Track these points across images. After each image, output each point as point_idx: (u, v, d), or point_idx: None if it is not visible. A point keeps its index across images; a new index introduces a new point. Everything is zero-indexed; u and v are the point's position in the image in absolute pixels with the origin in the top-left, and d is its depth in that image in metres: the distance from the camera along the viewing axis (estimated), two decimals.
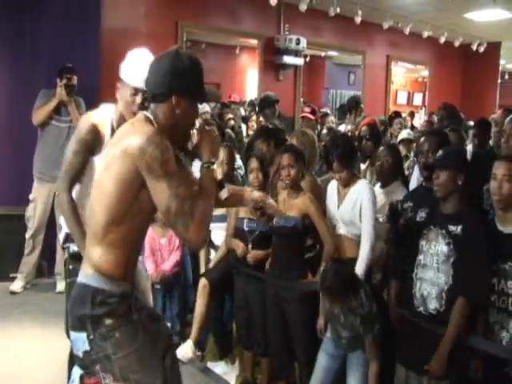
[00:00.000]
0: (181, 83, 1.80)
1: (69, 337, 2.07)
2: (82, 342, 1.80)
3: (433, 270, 2.45)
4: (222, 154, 3.72)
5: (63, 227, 2.74)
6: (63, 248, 2.71)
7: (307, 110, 5.85)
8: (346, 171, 3.09)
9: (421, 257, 2.52)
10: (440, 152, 2.60)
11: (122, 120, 2.42)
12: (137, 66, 2.44)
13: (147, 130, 1.76)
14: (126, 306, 1.83)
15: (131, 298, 1.88)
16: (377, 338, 2.62)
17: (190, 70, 1.83)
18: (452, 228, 2.40)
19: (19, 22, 5.13)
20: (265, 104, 5.36)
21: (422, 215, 2.68)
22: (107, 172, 1.78)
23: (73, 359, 2.18)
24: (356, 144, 4.55)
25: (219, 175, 3.70)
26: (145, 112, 1.86)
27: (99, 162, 2.16)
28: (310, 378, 2.98)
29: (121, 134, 1.85)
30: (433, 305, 2.42)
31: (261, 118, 6.17)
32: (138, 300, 1.95)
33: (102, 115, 2.54)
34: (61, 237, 2.76)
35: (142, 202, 1.76)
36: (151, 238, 3.82)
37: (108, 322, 1.77)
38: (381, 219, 3.07)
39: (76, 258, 2.41)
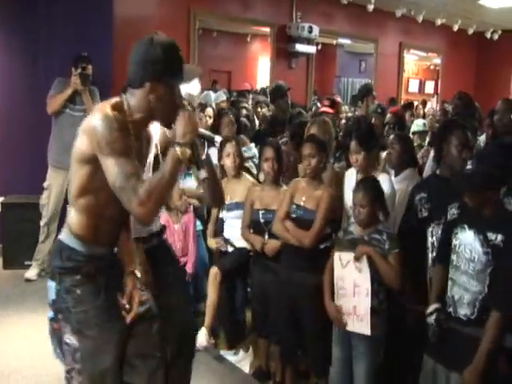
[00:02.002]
0: (153, 70, 1.88)
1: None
2: (52, 290, 2.04)
3: (467, 276, 2.30)
4: (230, 147, 3.70)
5: None
6: None
7: (326, 102, 5.32)
8: (363, 154, 3.09)
9: (453, 257, 2.37)
10: (468, 169, 2.27)
11: None
12: None
13: (103, 111, 1.86)
14: (92, 267, 1.99)
15: (101, 261, 2.02)
16: (401, 256, 2.66)
17: (164, 57, 1.88)
18: (491, 236, 2.22)
19: (33, 10, 5.15)
20: (277, 94, 5.33)
21: (453, 212, 2.46)
22: (75, 147, 1.92)
23: None
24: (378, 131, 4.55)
25: (232, 170, 3.70)
26: (119, 97, 1.95)
27: None
28: (317, 365, 3.03)
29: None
30: (464, 310, 2.30)
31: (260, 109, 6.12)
32: (116, 268, 2.11)
33: None
34: None
35: (103, 177, 1.84)
36: (167, 222, 3.86)
37: (72, 277, 1.96)
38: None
39: None
